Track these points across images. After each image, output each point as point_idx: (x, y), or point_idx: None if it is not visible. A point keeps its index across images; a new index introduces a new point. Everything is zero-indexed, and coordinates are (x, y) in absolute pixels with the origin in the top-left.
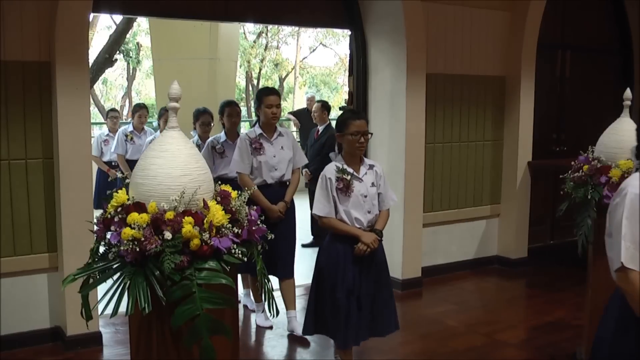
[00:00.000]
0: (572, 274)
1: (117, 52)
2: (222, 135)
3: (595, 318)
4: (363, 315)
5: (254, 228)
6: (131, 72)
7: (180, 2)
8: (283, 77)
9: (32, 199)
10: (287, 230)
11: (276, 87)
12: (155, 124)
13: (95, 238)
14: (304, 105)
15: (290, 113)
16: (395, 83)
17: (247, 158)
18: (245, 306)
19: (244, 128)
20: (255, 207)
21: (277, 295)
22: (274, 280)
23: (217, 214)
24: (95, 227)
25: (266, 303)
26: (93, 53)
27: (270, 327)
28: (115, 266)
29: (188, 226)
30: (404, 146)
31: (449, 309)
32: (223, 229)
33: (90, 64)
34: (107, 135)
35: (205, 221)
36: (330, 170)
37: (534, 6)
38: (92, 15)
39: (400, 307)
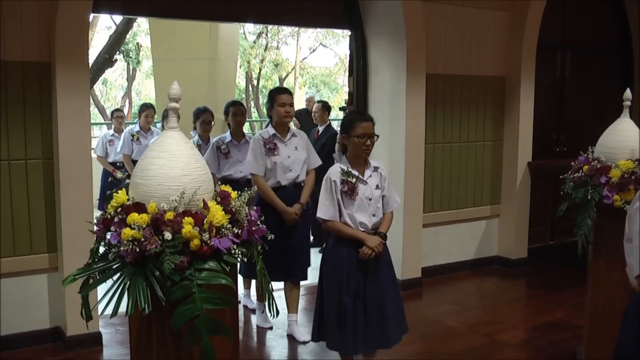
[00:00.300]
0: (572, 274)
1: (117, 52)
2: (227, 136)
3: (595, 318)
4: (370, 321)
5: (254, 228)
6: (131, 72)
7: (180, 2)
8: (283, 77)
9: (32, 199)
10: (303, 233)
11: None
12: (159, 125)
13: (95, 238)
14: (304, 106)
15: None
16: (395, 83)
17: (261, 159)
18: (245, 306)
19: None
20: (255, 208)
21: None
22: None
23: (217, 214)
24: (95, 228)
25: (266, 303)
26: (93, 53)
27: (270, 328)
28: (115, 266)
29: (188, 226)
30: (404, 146)
31: (449, 309)
32: (223, 230)
33: (90, 64)
34: (112, 135)
35: (205, 221)
36: (334, 173)
37: (534, 6)
38: (92, 15)
39: None
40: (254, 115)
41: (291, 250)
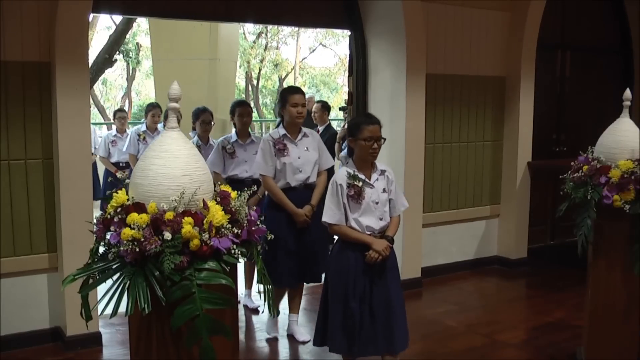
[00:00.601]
0: (572, 274)
1: (117, 52)
2: (232, 135)
3: (595, 318)
4: (376, 325)
5: (253, 228)
6: (131, 72)
7: (180, 2)
8: (283, 77)
9: (32, 199)
10: (320, 234)
11: (275, 87)
12: (160, 125)
13: (95, 238)
14: None
15: None
16: (395, 83)
17: (270, 160)
18: (245, 306)
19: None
20: (255, 208)
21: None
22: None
23: (217, 214)
24: (95, 228)
25: (266, 303)
26: (93, 53)
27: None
28: (115, 266)
29: (188, 226)
30: (404, 146)
31: (448, 309)
32: (223, 229)
33: (90, 64)
34: (115, 135)
35: (205, 221)
36: (341, 176)
37: (534, 6)
38: (92, 15)
39: None
40: (254, 115)
41: (306, 253)
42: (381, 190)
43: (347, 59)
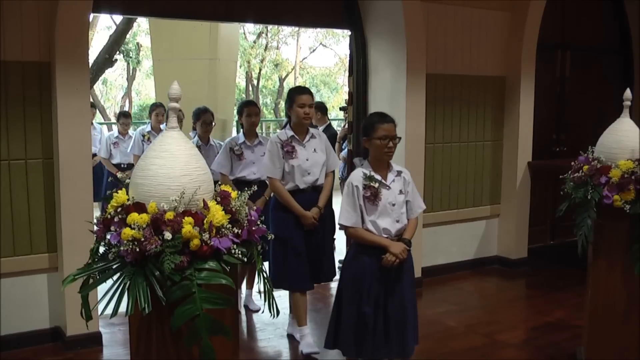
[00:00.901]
0: (572, 274)
1: (117, 52)
2: (240, 136)
3: (595, 318)
4: (390, 331)
5: (254, 228)
6: (131, 72)
7: (180, 2)
8: (283, 77)
9: (32, 199)
10: (328, 236)
11: (275, 87)
12: (164, 126)
13: (95, 238)
14: None
15: None
16: (395, 83)
17: (278, 162)
18: (245, 306)
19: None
20: (255, 208)
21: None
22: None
23: (217, 214)
24: (95, 228)
25: (266, 303)
26: (93, 53)
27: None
28: (115, 266)
29: (188, 226)
30: (404, 146)
31: (448, 309)
32: (223, 229)
33: (90, 64)
34: (117, 137)
35: (205, 221)
36: (356, 178)
37: (534, 6)
38: (92, 15)
39: None
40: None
41: (315, 254)
42: (398, 191)
43: (347, 59)
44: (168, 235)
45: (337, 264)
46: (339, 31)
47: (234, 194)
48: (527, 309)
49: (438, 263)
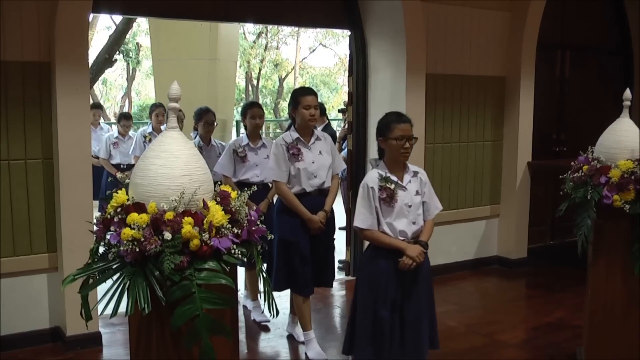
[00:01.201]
0: (572, 274)
1: (117, 52)
2: (243, 138)
3: (595, 318)
4: (406, 336)
5: (253, 228)
6: (131, 72)
7: (180, 2)
8: (283, 77)
9: (32, 199)
10: (329, 239)
11: (275, 87)
12: (163, 126)
13: (95, 238)
14: None
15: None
16: (395, 83)
17: (284, 165)
18: (245, 306)
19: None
20: (255, 208)
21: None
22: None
23: (217, 214)
24: (95, 228)
25: (266, 303)
26: (93, 53)
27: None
28: (115, 266)
29: (188, 226)
30: None
31: (449, 309)
32: (223, 229)
33: (90, 64)
34: (117, 137)
35: (205, 221)
36: (372, 179)
37: (534, 6)
38: (92, 15)
39: None
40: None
41: (318, 258)
42: (414, 192)
43: (347, 59)
44: (168, 235)
45: (336, 264)
46: (338, 31)
47: (233, 194)
48: (527, 309)
49: (438, 263)
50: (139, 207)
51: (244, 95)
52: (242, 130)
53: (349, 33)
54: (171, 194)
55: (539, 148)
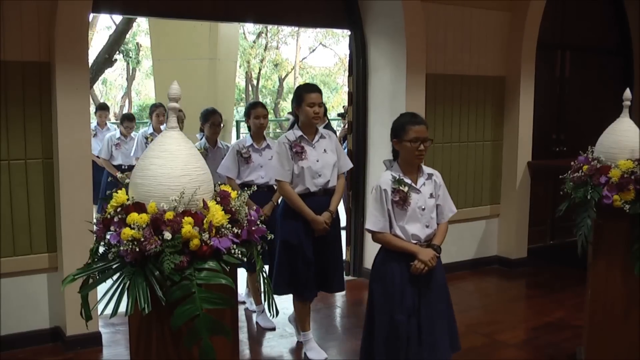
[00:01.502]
0: (572, 274)
1: (117, 52)
2: (247, 139)
3: (595, 318)
4: (424, 341)
5: (253, 228)
6: (131, 72)
7: (180, 2)
8: (283, 77)
9: (32, 199)
10: (336, 242)
11: (275, 87)
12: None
13: (95, 238)
14: None
15: (290, 113)
16: (395, 83)
17: (287, 164)
18: (246, 308)
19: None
20: (255, 207)
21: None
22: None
23: (217, 214)
24: (95, 228)
25: (266, 303)
26: (93, 53)
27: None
28: (115, 266)
29: (188, 226)
30: None
31: None
32: (223, 229)
33: (90, 64)
34: (119, 138)
35: (204, 221)
36: (385, 181)
37: (534, 6)
38: (92, 15)
39: None
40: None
41: (323, 261)
42: (428, 195)
43: (347, 58)
44: (168, 235)
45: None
46: (338, 31)
47: (233, 193)
48: (527, 309)
49: None
50: (139, 207)
51: (244, 95)
52: (242, 130)
53: (349, 33)
54: (171, 194)
55: (539, 148)
